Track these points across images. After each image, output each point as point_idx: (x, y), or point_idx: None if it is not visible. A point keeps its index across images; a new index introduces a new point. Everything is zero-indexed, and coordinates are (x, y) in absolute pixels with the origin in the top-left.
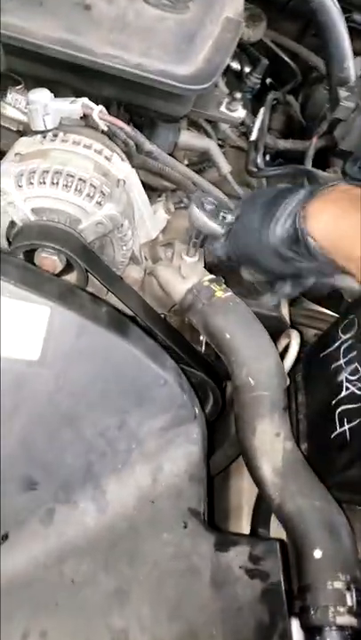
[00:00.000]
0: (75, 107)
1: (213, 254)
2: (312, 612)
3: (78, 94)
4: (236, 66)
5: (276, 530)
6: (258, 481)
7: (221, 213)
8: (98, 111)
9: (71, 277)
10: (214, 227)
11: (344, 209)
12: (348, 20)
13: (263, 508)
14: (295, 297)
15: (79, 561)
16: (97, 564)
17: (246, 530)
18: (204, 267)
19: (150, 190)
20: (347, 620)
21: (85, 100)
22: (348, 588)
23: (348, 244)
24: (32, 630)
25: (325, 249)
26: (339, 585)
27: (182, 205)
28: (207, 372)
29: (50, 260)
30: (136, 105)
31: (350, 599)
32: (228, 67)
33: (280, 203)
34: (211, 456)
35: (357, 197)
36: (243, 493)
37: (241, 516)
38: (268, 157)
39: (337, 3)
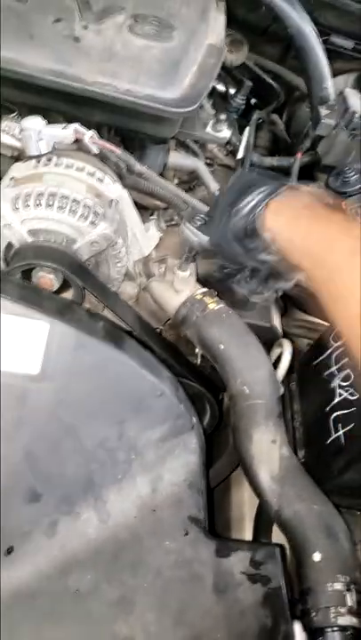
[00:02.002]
0: (67, 132)
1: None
2: (313, 614)
3: (70, 120)
4: (221, 88)
5: (278, 540)
6: (256, 488)
7: None
8: (89, 136)
9: (68, 295)
10: (202, 238)
11: (299, 212)
12: (326, 42)
13: (264, 519)
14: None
15: (83, 572)
16: (100, 574)
17: (249, 540)
18: (197, 280)
19: (143, 209)
20: (348, 620)
21: (77, 125)
22: (348, 589)
23: (297, 247)
24: None
25: (279, 246)
26: (338, 586)
27: (173, 223)
28: (204, 384)
29: (47, 278)
30: (126, 128)
31: (350, 599)
32: (214, 89)
33: (247, 194)
34: (210, 467)
35: (315, 204)
36: (244, 504)
37: (243, 527)
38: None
39: (314, 27)
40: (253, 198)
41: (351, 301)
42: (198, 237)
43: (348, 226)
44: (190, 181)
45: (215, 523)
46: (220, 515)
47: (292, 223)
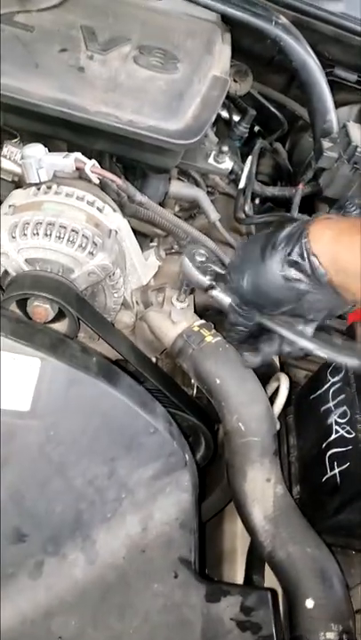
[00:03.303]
0: (68, 161)
1: (228, 310)
2: None
3: (72, 148)
4: (225, 115)
5: (271, 575)
6: (249, 527)
7: (212, 266)
8: (90, 165)
9: (63, 324)
10: (200, 278)
11: (343, 229)
12: (330, 74)
13: (257, 554)
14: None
15: (68, 616)
16: (86, 618)
17: (240, 574)
18: (194, 312)
19: (142, 236)
20: None
21: (78, 154)
22: (341, 639)
23: (350, 261)
24: None
25: (328, 268)
26: (331, 636)
27: (173, 251)
28: (199, 415)
29: (42, 308)
30: (128, 158)
31: None
32: (219, 116)
33: (279, 232)
34: (203, 500)
35: (354, 221)
36: (236, 538)
37: (235, 560)
38: (257, 201)
39: (318, 61)
40: (291, 230)
41: None
42: (194, 277)
43: None
44: (191, 209)
45: (207, 556)
46: (211, 547)
47: (337, 239)
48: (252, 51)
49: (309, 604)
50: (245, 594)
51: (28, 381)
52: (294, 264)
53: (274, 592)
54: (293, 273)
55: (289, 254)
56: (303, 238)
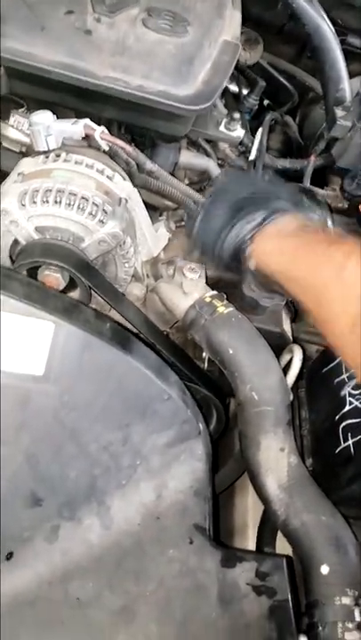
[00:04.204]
0: (77, 128)
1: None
2: (320, 629)
3: (80, 116)
4: (234, 88)
5: (281, 548)
6: (263, 497)
7: None
8: (100, 132)
9: (74, 294)
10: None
11: (284, 242)
12: (343, 42)
13: (268, 527)
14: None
15: (84, 579)
16: (102, 582)
17: (252, 548)
18: (206, 283)
19: (152, 209)
20: (356, 636)
21: (87, 120)
22: (357, 604)
23: (284, 275)
24: None
25: (267, 276)
26: (347, 601)
27: (183, 224)
28: (211, 388)
29: (53, 277)
30: (137, 125)
31: (359, 615)
32: (227, 89)
33: (242, 217)
34: (216, 473)
35: (300, 231)
36: (248, 511)
37: (246, 533)
38: (267, 177)
39: (332, 26)
40: (246, 225)
41: (340, 320)
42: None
43: (333, 248)
44: (201, 182)
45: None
46: (222, 521)
47: (278, 253)
48: (262, 18)
49: (325, 570)
50: (260, 560)
51: (41, 346)
52: (235, 257)
53: (289, 558)
54: (233, 264)
55: (233, 248)
56: (247, 245)
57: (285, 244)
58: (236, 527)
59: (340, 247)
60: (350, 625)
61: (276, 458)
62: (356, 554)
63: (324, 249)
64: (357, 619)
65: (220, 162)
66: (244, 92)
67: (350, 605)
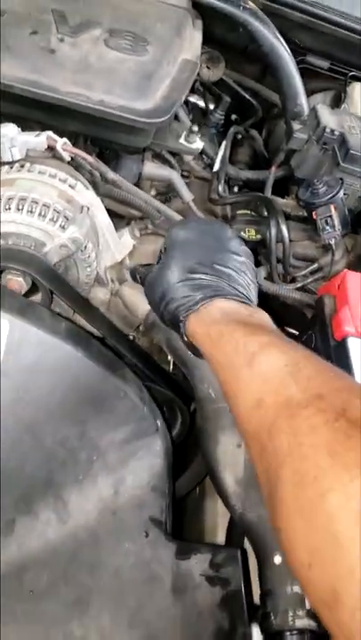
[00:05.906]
0: (40, 139)
1: None
2: (272, 618)
3: (45, 129)
4: (201, 104)
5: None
6: (221, 492)
7: None
8: (62, 143)
9: (37, 298)
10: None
11: (209, 328)
12: (302, 61)
13: (236, 529)
14: None
15: (39, 572)
16: (57, 574)
17: None
18: None
19: (118, 218)
20: (306, 622)
21: (50, 132)
22: None
23: (208, 358)
24: None
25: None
26: (298, 589)
27: (148, 232)
28: (175, 391)
29: (15, 281)
30: (100, 138)
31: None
32: (195, 104)
33: (185, 291)
34: (181, 474)
35: (230, 324)
36: (217, 514)
37: (216, 536)
38: (236, 189)
39: (286, 46)
40: (180, 306)
41: (246, 397)
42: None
43: (251, 339)
44: (167, 192)
45: (187, 533)
46: (193, 523)
47: (206, 336)
48: (225, 39)
49: (277, 559)
50: (215, 551)
51: None
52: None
53: (243, 550)
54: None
55: (174, 319)
56: (184, 323)
57: (212, 330)
58: (207, 530)
59: (257, 338)
60: (300, 612)
61: (234, 454)
62: None
63: (244, 338)
64: (308, 606)
65: (185, 173)
66: (211, 107)
67: (301, 593)
